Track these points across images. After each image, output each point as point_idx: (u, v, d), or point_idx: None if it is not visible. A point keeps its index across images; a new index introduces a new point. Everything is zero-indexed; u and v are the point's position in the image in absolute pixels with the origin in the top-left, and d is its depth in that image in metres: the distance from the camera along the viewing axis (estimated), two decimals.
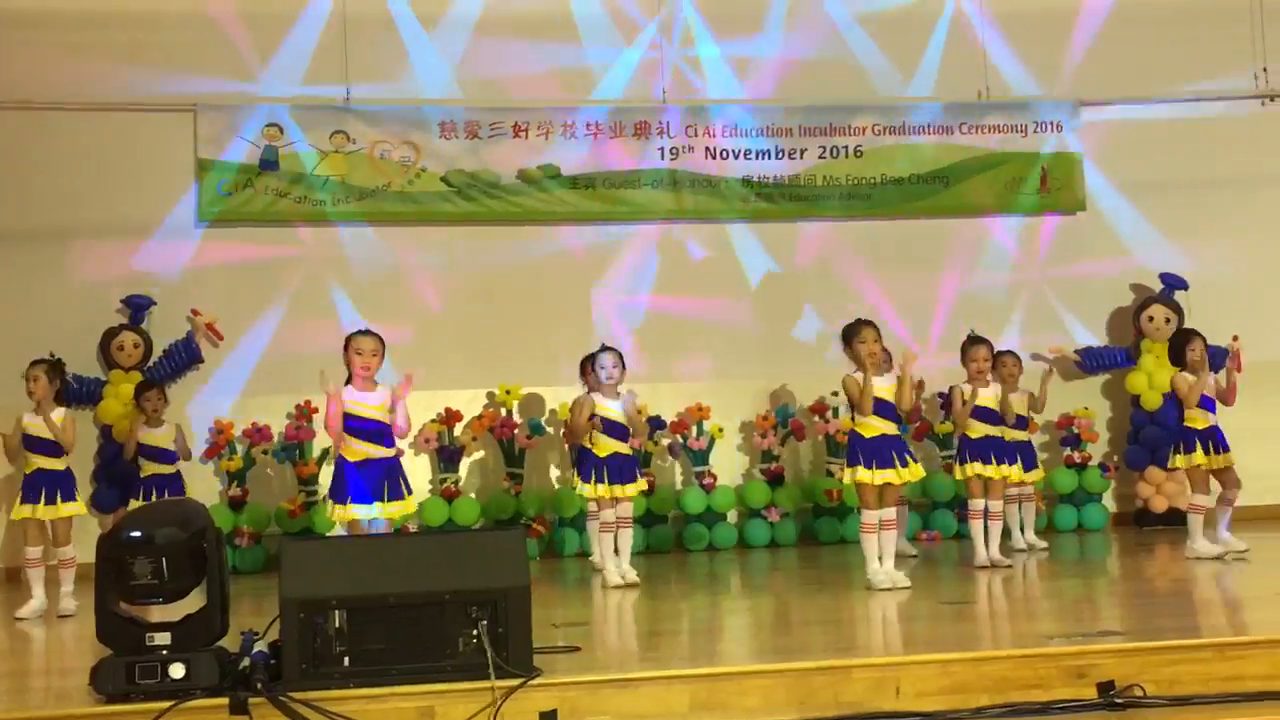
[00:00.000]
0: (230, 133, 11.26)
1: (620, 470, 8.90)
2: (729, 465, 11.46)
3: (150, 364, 10.83)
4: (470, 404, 11.16)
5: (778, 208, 11.87)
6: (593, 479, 8.87)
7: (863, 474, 8.00)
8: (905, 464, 8.09)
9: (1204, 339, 9.29)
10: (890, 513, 8.13)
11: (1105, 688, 5.27)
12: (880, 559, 8.00)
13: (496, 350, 11.34)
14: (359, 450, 7.72)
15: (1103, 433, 11.79)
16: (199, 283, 11.12)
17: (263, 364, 11.09)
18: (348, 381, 7.81)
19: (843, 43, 12.02)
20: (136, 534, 5.23)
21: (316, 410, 10.93)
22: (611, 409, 8.93)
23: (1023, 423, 9.75)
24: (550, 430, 11.26)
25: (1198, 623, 6.77)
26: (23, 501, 8.61)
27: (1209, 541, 8.91)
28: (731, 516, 11.33)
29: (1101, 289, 12.09)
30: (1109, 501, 11.59)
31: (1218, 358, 11.50)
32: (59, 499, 8.60)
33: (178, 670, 5.09)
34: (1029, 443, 9.86)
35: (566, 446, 10.49)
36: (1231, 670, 5.42)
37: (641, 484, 9.23)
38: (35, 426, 8.68)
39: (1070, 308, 12.00)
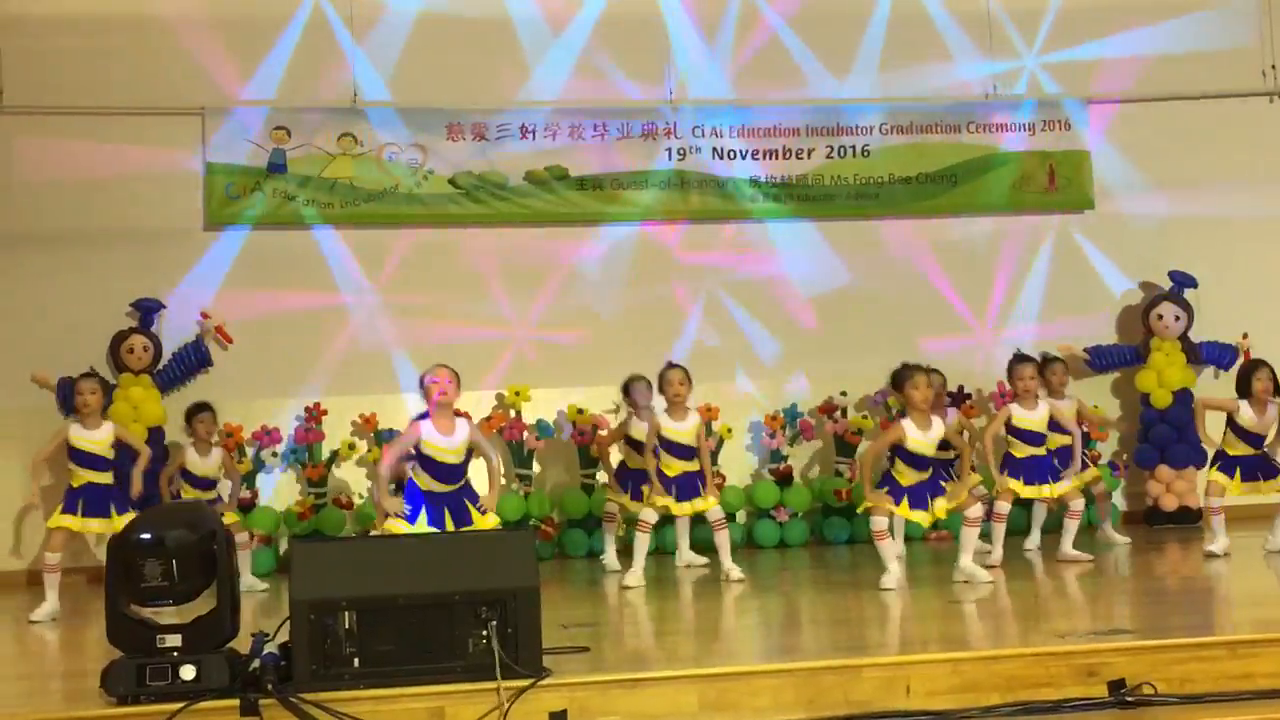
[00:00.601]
0: (238, 136, 11.27)
1: (689, 486, 8.90)
2: (738, 466, 11.45)
3: (159, 367, 10.84)
4: (480, 405, 11.16)
5: (785, 207, 11.85)
6: (648, 496, 8.92)
7: (901, 508, 8.04)
8: (935, 501, 8.09)
9: (1273, 371, 9.14)
10: (975, 511, 8.24)
11: (1116, 686, 5.28)
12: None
13: (505, 352, 11.35)
14: (428, 482, 7.77)
15: (1112, 431, 11.76)
16: (208, 286, 11.13)
17: (272, 367, 11.10)
18: (423, 416, 7.86)
19: (850, 45, 12.00)
20: (147, 536, 5.26)
21: (326, 413, 10.97)
22: (677, 430, 8.90)
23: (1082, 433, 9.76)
24: (558, 432, 11.27)
25: (1208, 621, 6.77)
26: (64, 511, 8.60)
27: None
28: (740, 516, 11.32)
29: (1110, 287, 12.07)
30: (1119, 500, 11.55)
31: (1226, 355, 11.54)
32: (112, 512, 8.60)
33: (188, 672, 5.12)
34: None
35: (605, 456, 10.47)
36: (1242, 668, 5.43)
37: (712, 501, 9.05)
38: (85, 441, 8.67)
39: (1079, 306, 11.97)
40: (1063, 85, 12.16)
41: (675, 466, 8.91)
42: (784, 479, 11.33)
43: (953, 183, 11.98)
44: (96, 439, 8.68)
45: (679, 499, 8.89)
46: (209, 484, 9.61)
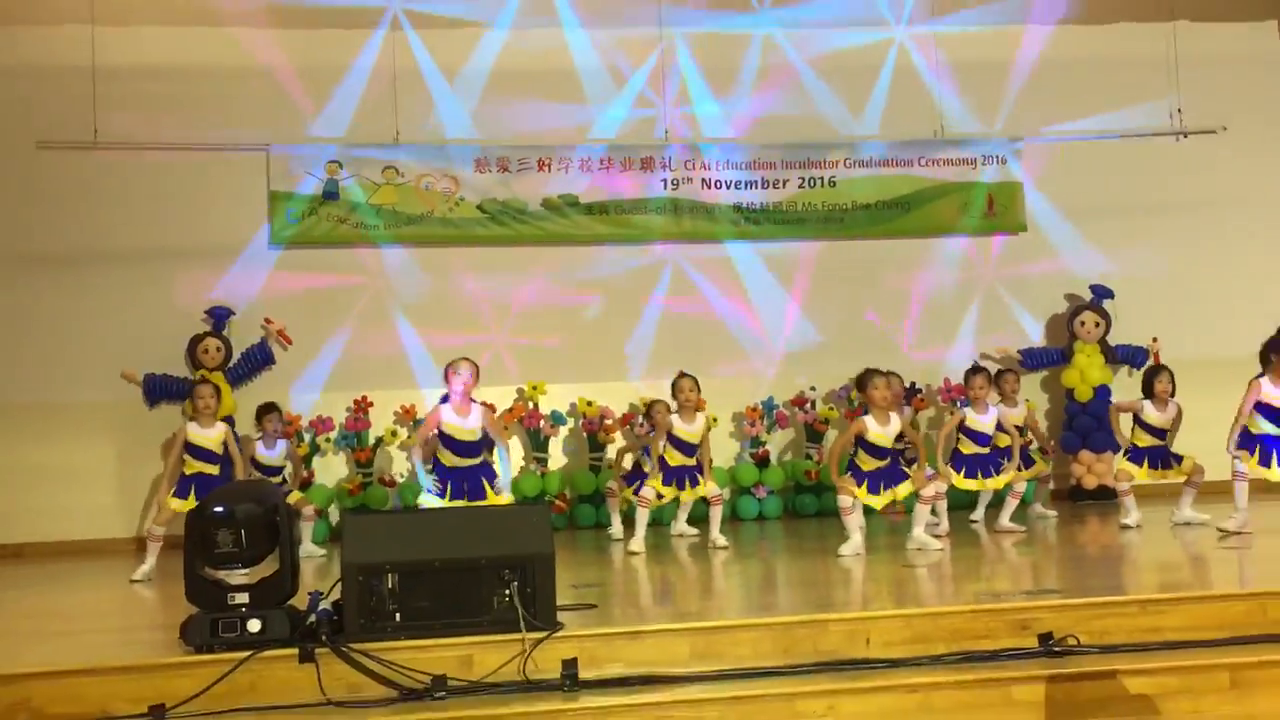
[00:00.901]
0: (298, 169, 11.27)
1: (690, 479, 8.91)
2: (723, 450, 11.42)
3: (230, 365, 10.84)
4: (503, 398, 11.16)
5: (764, 230, 11.84)
6: (670, 483, 8.89)
7: (860, 492, 8.01)
8: (896, 487, 8.05)
9: (1172, 375, 9.14)
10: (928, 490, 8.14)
11: (1045, 638, 5.27)
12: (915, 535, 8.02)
13: (524, 352, 11.35)
14: (449, 459, 7.98)
15: (1042, 421, 11.75)
16: (271, 295, 11.14)
17: (325, 365, 11.11)
18: (443, 400, 7.99)
19: (819, 91, 12.00)
20: (220, 510, 5.25)
21: (372, 405, 10.97)
22: (687, 430, 8.87)
23: (1019, 433, 9.76)
24: (570, 422, 11.28)
25: (1124, 582, 6.76)
26: (178, 495, 8.60)
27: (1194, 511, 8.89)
28: (725, 494, 11.29)
29: (1040, 298, 12.06)
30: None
31: (1138, 356, 11.54)
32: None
33: (255, 625, 5.12)
34: (1025, 448, 9.82)
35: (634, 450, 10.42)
36: (1152, 623, 5.42)
37: (710, 486, 9.01)
38: (200, 438, 8.64)
39: (1013, 314, 11.99)
40: (999, 126, 12.14)
41: (677, 458, 8.89)
42: (762, 461, 11.32)
43: (906, 209, 11.96)
44: (210, 436, 8.66)
45: (678, 487, 8.88)
46: (275, 470, 9.56)
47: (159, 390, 10.75)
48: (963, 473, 9.16)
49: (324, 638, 5.10)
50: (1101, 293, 11.68)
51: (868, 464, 8.06)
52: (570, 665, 5.06)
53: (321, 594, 5.33)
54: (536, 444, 11.13)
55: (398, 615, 5.24)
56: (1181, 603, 5.52)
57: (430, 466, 8.11)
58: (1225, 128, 11.81)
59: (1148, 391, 9.11)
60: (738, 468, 11.32)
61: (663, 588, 7.30)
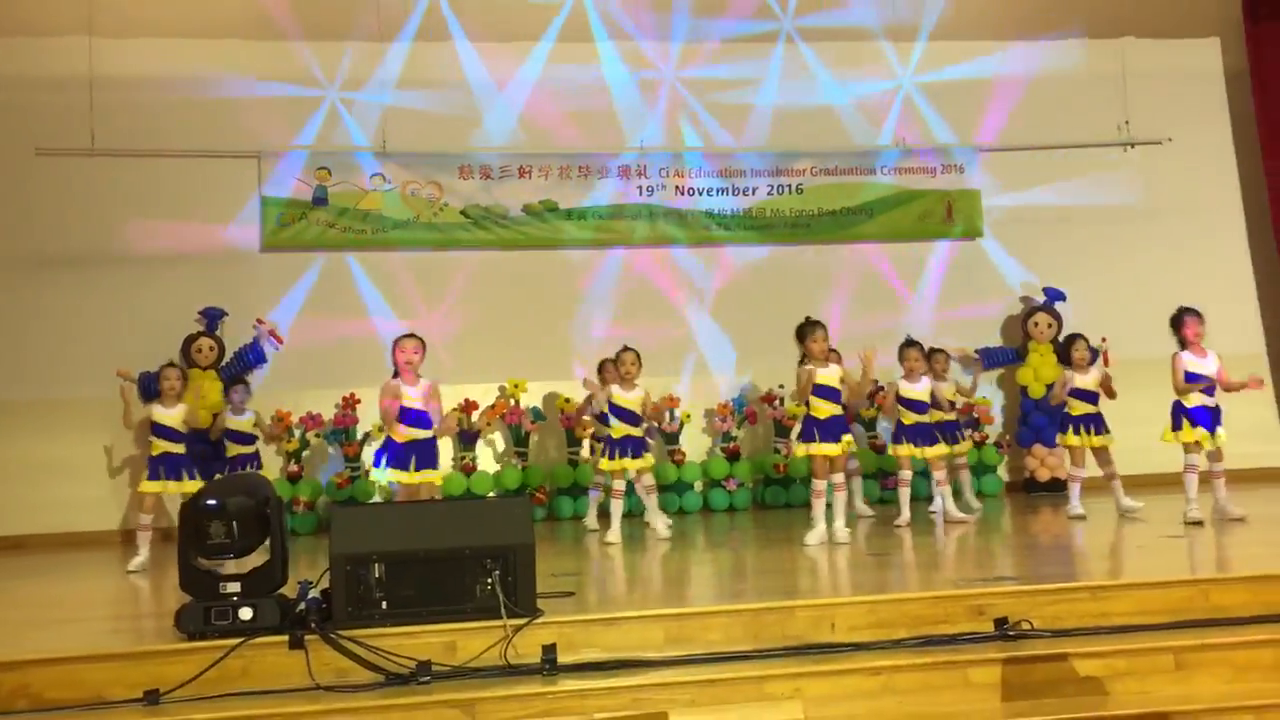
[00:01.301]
0: (288, 175, 11.22)
1: (634, 448, 8.83)
2: (695, 444, 11.46)
3: (223, 363, 10.77)
4: (485, 395, 11.14)
5: (735, 235, 11.86)
6: (615, 455, 8.82)
7: (815, 448, 7.97)
8: (846, 436, 8.06)
9: (1086, 340, 9.29)
10: (839, 478, 8.13)
11: (1000, 623, 5.30)
12: (826, 518, 8.00)
13: (507, 351, 11.32)
14: (402, 432, 7.79)
15: (998, 417, 11.81)
16: (263, 296, 11.08)
17: (315, 363, 11.05)
18: (395, 375, 7.85)
19: (790, 101, 12.02)
20: (212, 502, 5.23)
21: (359, 401, 10.92)
22: (626, 399, 8.87)
23: (952, 407, 9.83)
24: (548, 417, 11.26)
25: (1075, 570, 6.79)
26: (149, 478, 8.58)
27: (1080, 505, 8.98)
28: (698, 486, 11.32)
29: (996, 299, 12.11)
30: (1003, 472, 11.61)
31: (1090, 355, 11.56)
32: (184, 476, 8.58)
33: (246, 613, 5.10)
34: (956, 422, 9.91)
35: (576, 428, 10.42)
36: (1101, 608, 5.46)
37: (648, 459, 9.00)
38: (164, 417, 8.66)
39: (972, 314, 12.01)
40: (958, 136, 12.19)
41: (621, 429, 8.83)
42: (733, 456, 11.33)
43: (869, 215, 12.00)
44: (172, 415, 8.68)
45: (634, 456, 8.81)
46: (247, 438, 9.90)
47: (153, 388, 10.64)
48: (904, 441, 9.17)
49: (313, 625, 5.08)
50: (1054, 295, 11.74)
51: (822, 412, 8.01)
52: (550, 650, 5.06)
53: (311, 583, 5.31)
54: (518, 439, 11.11)
55: (384, 603, 5.23)
56: (1129, 589, 5.56)
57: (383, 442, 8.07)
58: (1170, 139, 11.89)
59: (1066, 360, 9.19)
60: (709, 462, 11.33)
61: (637, 576, 7.29)
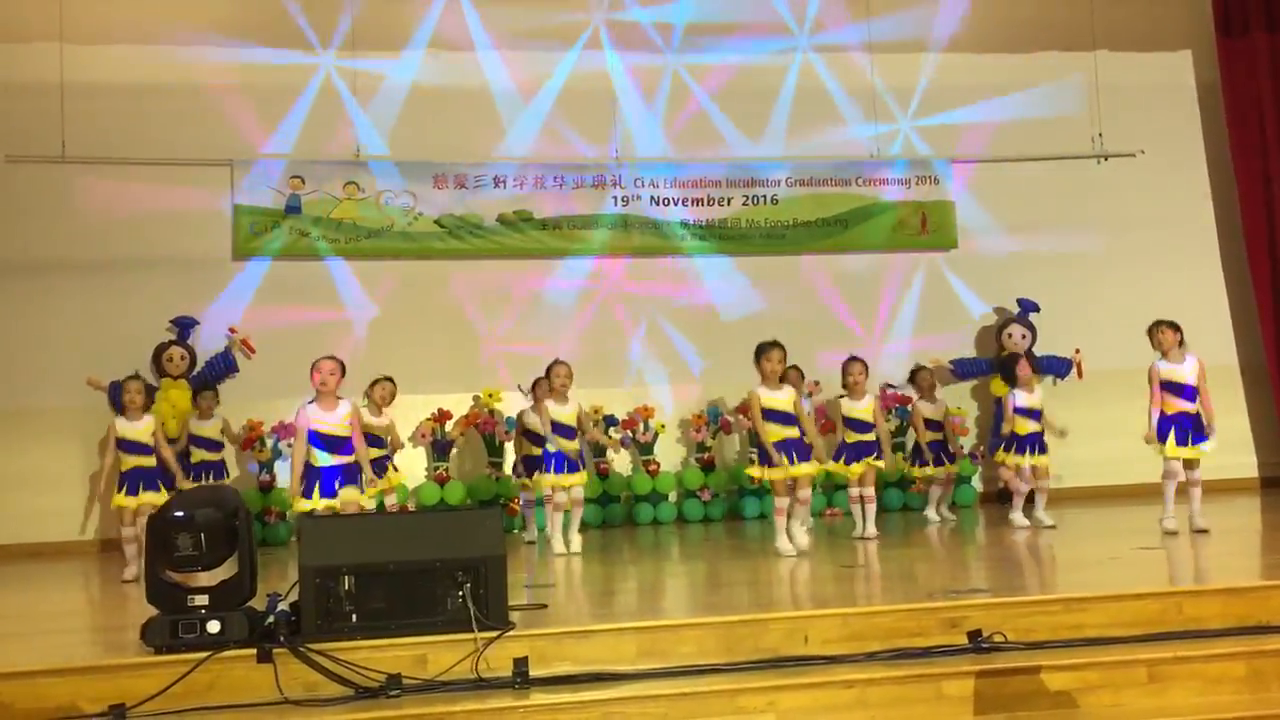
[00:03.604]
0: (261, 183, 11.15)
1: (569, 464, 8.76)
2: (670, 455, 11.44)
3: (195, 373, 10.69)
4: (459, 405, 11.08)
5: (709, 245, 11.85)
6: (551, 470, 8.76)
7: (772, 472, 7.94)
8: (802, 460, 7.97)
9: (1030, 359, 9.36)
10: (805, 493, 8.08)
11: (974, 635, 5.29)
12: (790, 531, 7.98)
13: (481, 361, 11.28)
14: (320, 458, 7.41)
15: (972, 428, 11.84)
16: (235, 305, 11.01)
17: (288, 373, 10.91)
18: (311, 402, 7.49)
19: (761, 112, 12.05)
20: (180, 514, 5.17)
21: None
22: (562, 413, 8.82)
23: (938, 426, 9.85)
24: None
25: (1048, 582, 6.80)
26: (120, 492, 8.51)
27: (1024, 516, 9.12)
28: (672, 497, 11.30)
29: (970, 310, 12.15)
30: (977, 483, 11.64)
31: (1063, 366, 11.64)
32: (157, 488, 8.49)
33: (214, 626, 5.04)
34: (943, 442, 9.95)
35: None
36: (1074, 620, 5.46)
37: (583, 476, 8.94)
38: (130, 431, 8.56)
39: (945, 326, 12.04)
40: (932, 148, 12.24)
41: (556, 445, 8.74)
42: (707, 466, 11.32)
43: (844, 226, 12.01)
44: (139, 429, 8.58)
45: (557, 473, 8.73)
46: (213, 444, 9.98)
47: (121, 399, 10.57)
48: (843, 460, 9.15)
49: (282, 638, 5.03)
50: (1028, 306, 11.78)
51: (775, 434, 7.96)
52: (521, 663, 5.03)
53: (280, 596, 5.26)
54: (491, 449, 11.05)
55: (354, 616, 5.18)
56: (1102, 601, 5.56)
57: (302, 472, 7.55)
58: (1143, 151, 11.96)
59: (1011, 380, 9.25)
60: (684, 472, 11.31)
61: (610, 588, 7.26)
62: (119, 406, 10.19)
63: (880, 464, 9.16)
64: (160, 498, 8.37)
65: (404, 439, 10.01)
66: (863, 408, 9.12)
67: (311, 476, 7.37)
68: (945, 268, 12.18)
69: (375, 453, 8.46)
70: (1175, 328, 8.42)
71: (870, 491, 9.05)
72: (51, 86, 10.48)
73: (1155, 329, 8.49)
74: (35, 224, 10.77)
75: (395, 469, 9.32)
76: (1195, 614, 5.51)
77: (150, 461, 8.57)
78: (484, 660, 5.04)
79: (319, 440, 7.41)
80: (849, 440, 9.13)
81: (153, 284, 10.86)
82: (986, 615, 5.40)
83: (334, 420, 7.45)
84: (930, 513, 10.09)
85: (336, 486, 7.33)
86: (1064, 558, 7.67)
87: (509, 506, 10.71)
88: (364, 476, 7.45)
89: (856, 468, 9.04)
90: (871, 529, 8.89)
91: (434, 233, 11.40)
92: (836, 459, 9.19)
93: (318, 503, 7.28)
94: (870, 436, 9.08)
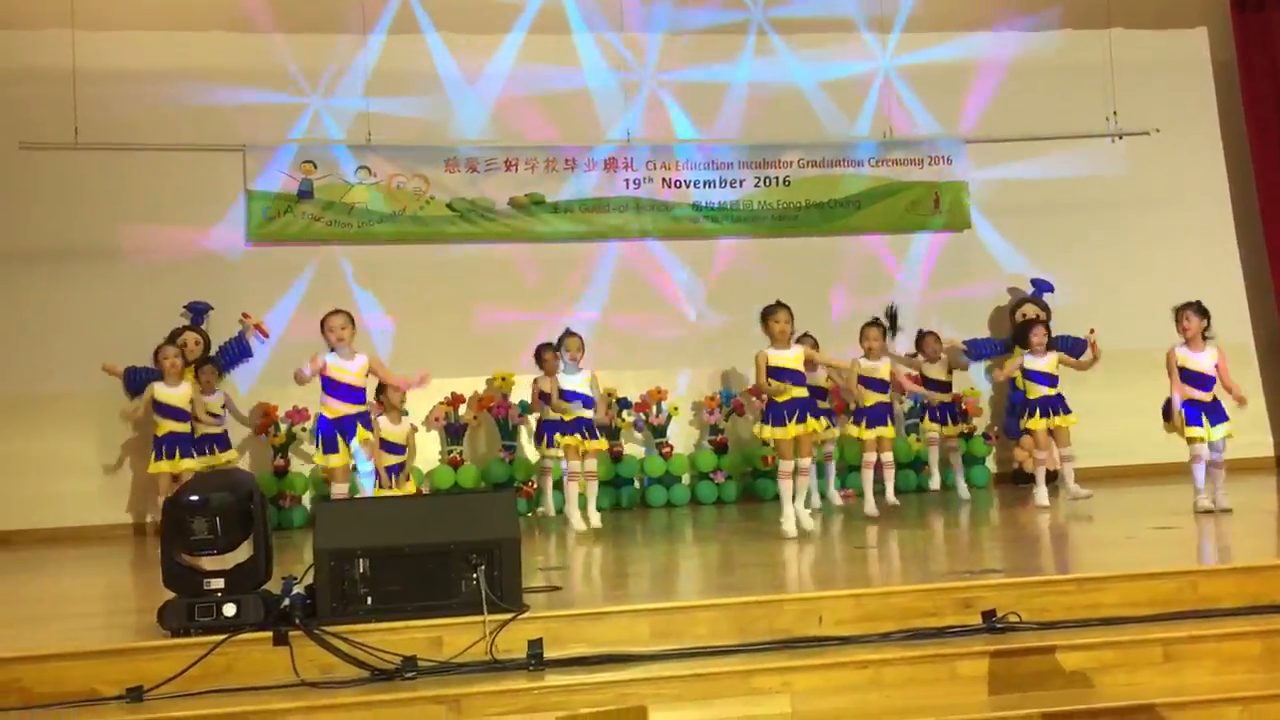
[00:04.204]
0: (273, 168, 11.16)
1: (586, 428, 8.85)
2: (683, 437, 11.44)
3: (209, 358, 10.70)
4: (471, 389, 11.11)
5: (722, 227, 11.83)
6: (558, 439, 8.83)
7: (772, 430, 7.89)
8: (811, 418, 7.92)
9: (1046, 327, 9.45)
10: (805, 463, 8.02)
11: (988, 615, 5.29)
12: (794, 500, 7.96)
13: (494, 343, 11.28)
14: (333, 407, 7.74)
15: (986, 408, 11.81)
16: (248, 290, 11.02)
17: (300, 357, 10.92)
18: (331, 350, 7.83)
19: (776, 93, 12.00)
20: (195, 498, 5.19)
21: None
22: (574, 382, 8.87)
23: (945, 387, 9.86)
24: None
25: (1062, 562, 6.79)
26: (156, 459, 8.59)
27: (1046, 494, 9.06)
28: (685, 479, 11.30)
29: (984, 291, 12.10)
30: (991, 464, 11.62)
31: (1076, 347, 11.58)
32: (192, 455, 8.59)
33: (230, 609, 5.06)
34: (951, 404, 9.97)
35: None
36: (1089, 600, 5.45)
37: (603, 443, 9.12)
38: (168, 396, 8.68)
39: (959, 306, 12.00)
40: (945, 128, 12.17)
41: (573, 413, 8.79)
42: (721, 448, 11.31)
43: (857, 207, 11.98)
44: (177, 394, 8.72)
45: (583, 437, 8.80)
46: (214, 418, 10.03)
47: (140, 382, 10.59)
48: (864, 424, 9.17)
49: (297, 621, 5.05)
50: (1042, 286, 11.73)
51: (780, 394, 7.91)
52: (536, 645, 5.04)
53: (295, 579, 5.28)
54: (505, 432, 11.07)
55: (369, 599, 5.19)
56: (1117, 581, 5.55)
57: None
58: (1158, 130, 11.87)
59: (1024, 343, 9.25)
60: (697, 454, 11.31)
61: (624, 570, 7.27)
62: (134, 391, 10.26)
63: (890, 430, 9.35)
64: (197, 464, 8.50)
65: (420, 423, 10.06)
66: (881, 368, 9.18)
67: (329, 428, 7.76)
68: (958, 248, 12.12)
69: (391, 460, 8.46)
70: (1203, 315, 8.27)
71: (889, 457, 9.15)
72: (64, 73, 10.47)
73: (1182, 312, 8.35)
74: (49, 210, 10.79)
75: (408, 478, 9.29)
76: (1210, 593, 5.49)
77: (186, 427, 8.68)
78: (498, 642, 5.05)
79: (333, 388, 7.66)
80: (867, 403, 9.16)
81: (166, 269, 10.88)
82: (1001, 595, 5.39)
83: (353, 368, 7.75)
84: (935, 482, 10.06)
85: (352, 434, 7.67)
86: (1079, 537, 7.66)
87: (523, 489, 10.73)
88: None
89: (881, 431, 9.09)
90: (892, 497, 8.93)
91: (446, 217, 11.40)
92: (857, 422, 9.22)
93: (343, 458, 7.73)
94: (887, 397, 9.17)
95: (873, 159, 11.98)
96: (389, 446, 8.51)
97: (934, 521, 8.80)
